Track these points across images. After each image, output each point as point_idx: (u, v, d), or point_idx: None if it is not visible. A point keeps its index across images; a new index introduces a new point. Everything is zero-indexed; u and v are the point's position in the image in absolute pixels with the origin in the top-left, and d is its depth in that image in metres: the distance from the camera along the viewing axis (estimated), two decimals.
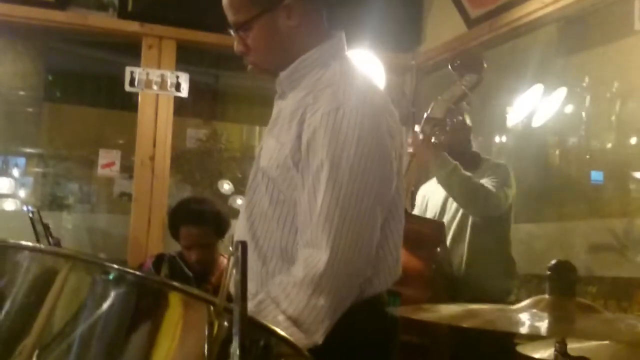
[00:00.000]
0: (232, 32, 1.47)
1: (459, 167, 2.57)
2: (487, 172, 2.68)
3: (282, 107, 1.48)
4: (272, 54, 1.47)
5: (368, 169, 1.31)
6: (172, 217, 2.77)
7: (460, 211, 2.69)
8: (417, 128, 2.67)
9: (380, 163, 1.34)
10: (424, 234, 2.54)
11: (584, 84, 3.11)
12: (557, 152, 3.30)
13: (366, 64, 3.40)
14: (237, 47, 1.48)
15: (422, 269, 2.44)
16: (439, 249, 2.56)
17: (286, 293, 1.27)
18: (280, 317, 1.25)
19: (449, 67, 2.66)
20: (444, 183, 2.59)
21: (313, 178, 1.31)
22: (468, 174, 2.58)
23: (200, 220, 2.64)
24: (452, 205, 2.72)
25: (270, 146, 1.43)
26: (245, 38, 1.45)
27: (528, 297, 1.12)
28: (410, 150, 2.63)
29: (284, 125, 1.41)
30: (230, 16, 1.45)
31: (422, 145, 2.61)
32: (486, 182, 2.60)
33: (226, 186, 3.92)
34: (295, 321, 1.25)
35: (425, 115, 2.67)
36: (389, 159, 1.37)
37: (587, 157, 3.14)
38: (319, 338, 1.25)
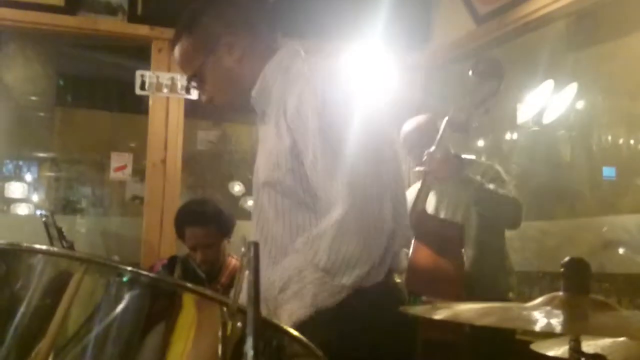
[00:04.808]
0: (191, 88, 1.61)
1: (483, 181, 2.58)
2: (478, 175, 2.68)
3: (266, 126, 1.53)
4: (232, 90, 1.56)
5: (359, 131, 1.36)
6: (176, 220, 2.81)
7: (459, 214, 2.70)
8: (432, 147, 2.62)
9: (367, 124, 1.38)
10: (448, 237, 2.55)
11: (595, 80, 3.09)
12: (569, 148, 3.28)
13: (374, 62, 3.40)
14: (202, 98, 1.60)
15: (452, 273, 2.45)
16: (463, 250, 2.56)
17: (311, 245, 1.33)
18: (309, 269, 1.31)
19: (470, 72, 2.65)
20: (472, 199, 2.58)
21: (311, 156, 1.36)
22: (492, 186, 2.58)
23: (202, 220, 2.68)
24: (448, 208, 2.73)
25: (262, 159, 1.49)
26: (204, 86, 1.56)
27: (540, 295, 1.12)
28: (423, 168, 2.60)
29: (269, 134, 1.47)
30: (186, 72, 1.58)
31: (441, 163, 2.58)
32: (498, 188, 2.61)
33: (237, 187, 3.94)
34: (327, 271, 1.30)
35: (446, 118, 2.65)
36: (375, 122, 1.42)
37: (599, 153, 3.11)
38: (346, 280, 1.30)
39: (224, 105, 1.61)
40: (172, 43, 1.58)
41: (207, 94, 1.58)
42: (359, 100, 1.41)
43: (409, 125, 2.81)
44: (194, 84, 1.58)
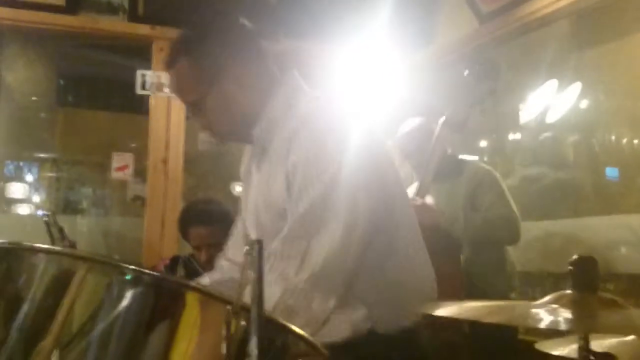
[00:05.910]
0: (190, 113, 1.49)
1: (467, 214, 2.56)
2: (475, 182, 2.67)
3: (267, 162, 1.46)
4: (233, 119, 1.45)
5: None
6: (181, 219, 2.80)
7: (455, 215, 2.69)
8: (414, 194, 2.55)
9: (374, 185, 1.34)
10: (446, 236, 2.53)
11: (599, 79, 3.08)
12: (572, 148, 3.27)
13: (378, 61, 3.40)
14: (200, 124, 1.48)
15: (452, 273, 2.43)
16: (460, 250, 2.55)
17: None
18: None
19: (466, 73, 2.65)
20: (466, 235, 2.56)
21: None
22: (479, 215, 2.57)
23: (208, 220, 2.67)
24: (445, 209, 2.71)
25: (264, 198, 1.43)
26: (204, 114, 1.44)
27: (543, 295, 1.10)
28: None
29: (273, 176, 1.40)
30: (183, 98, 1.46)
31: (426, 212, 2.47)
32: (493, 203, 2.60)
33: (238, 188, 3.92)
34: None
35: (443, 118, 2.65)
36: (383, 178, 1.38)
37: (602, 153, 3.10)
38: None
39: (224, 136, 1.49)
40: (168, 65, 1.43)
41: (205, 123, 1.46)
42: (365, 146, 1.35)
43: (404, 129, 2.80)
44: (194, 111, 1.46)
